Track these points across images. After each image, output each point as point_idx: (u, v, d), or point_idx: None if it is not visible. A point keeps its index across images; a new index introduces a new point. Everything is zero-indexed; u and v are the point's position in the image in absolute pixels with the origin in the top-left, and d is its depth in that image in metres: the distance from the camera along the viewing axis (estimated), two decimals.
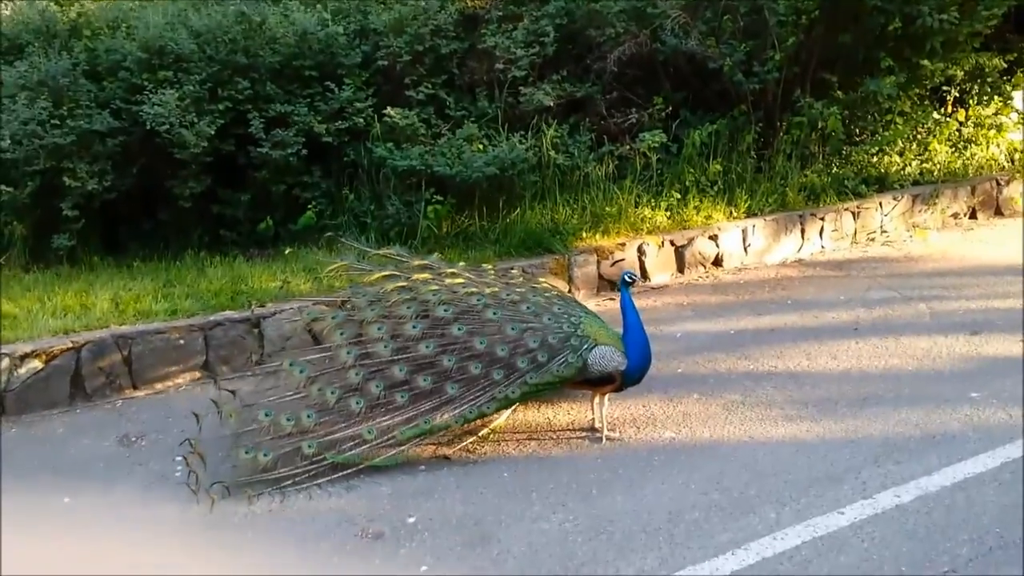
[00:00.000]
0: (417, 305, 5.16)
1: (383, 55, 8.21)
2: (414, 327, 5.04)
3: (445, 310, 5.09)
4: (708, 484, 4.50)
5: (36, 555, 4.13)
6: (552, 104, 8.31)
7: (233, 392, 5.04)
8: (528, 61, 8.30)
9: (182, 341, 6.26)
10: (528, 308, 5.13)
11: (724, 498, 4.36)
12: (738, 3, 8.91)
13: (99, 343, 6.03)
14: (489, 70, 8.38)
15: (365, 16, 8.53)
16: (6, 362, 5.74)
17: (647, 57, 8.86)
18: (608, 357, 4.91)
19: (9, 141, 6.97)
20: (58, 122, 7.17)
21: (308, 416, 4.77)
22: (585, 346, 4.91)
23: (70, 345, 5.96)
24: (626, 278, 5.15)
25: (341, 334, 5.16)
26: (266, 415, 4.80)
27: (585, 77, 8.82)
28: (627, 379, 4.97)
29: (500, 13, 8.61)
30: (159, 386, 6.14)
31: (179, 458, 4.91)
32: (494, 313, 5.07)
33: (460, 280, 5.36)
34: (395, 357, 4.95)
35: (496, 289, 5.27)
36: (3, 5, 8.46)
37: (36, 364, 5.85)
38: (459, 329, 5.00)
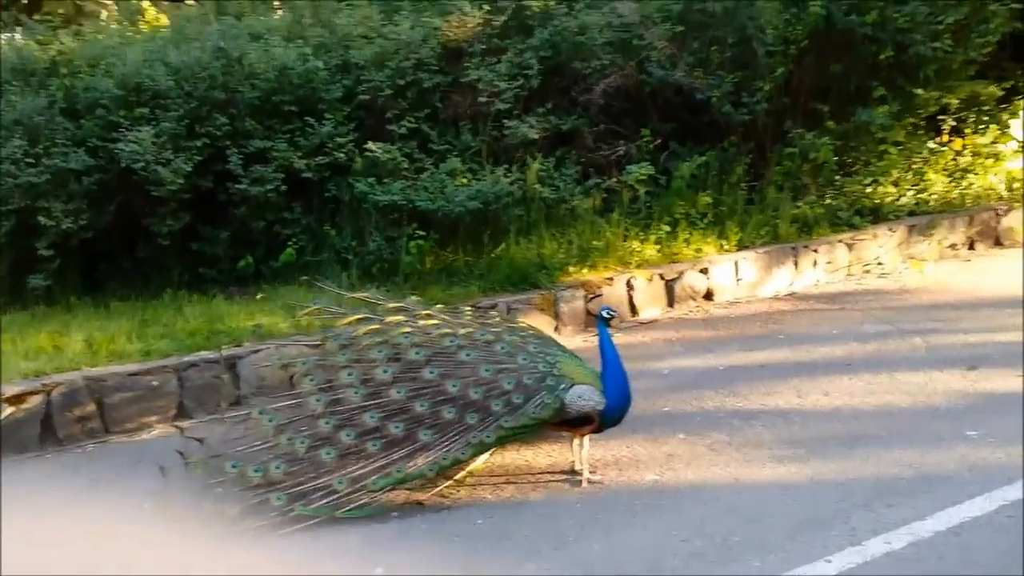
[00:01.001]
0: (389, 348, 4.97)
1: (365, 89, 8.12)
2: (385, 371, 4.85)
3: (417, 353, 4.91)
4: (690, 530, 4.30)
5: None
6: (537, 137, 8.20)
7: (201, 440, 4.87)
8: (512, 94, 8.20)
9: (155, 383, 6.10)
10: (503, 348, 4.95)
11: (706, 545, 4.15)
12: (726, 34, 8.82)
13: (70, 386, 5.87)
14: (473, 103, 8.27)
15: (347, 50, 8.42)
16: None
17: (634, 89, 8.78)
18: (586, 397, 4.72)
19: None
20: (33, 160, 7.06)
21: (276, 467, 4.58)
22: (562, 386, 4.72)
23: (40, 388, 5.79)
24: (603, 314, 4.98)
25: (311, 380, 4.97)
26: (233, 466, 4.62)
27: (572, 110, 8.73)
28: (606, 419, 4.78)
29: (484, 46, 8.50)
30: (132, 428, 5.97)
31: (146, 505, 4.74)
32: (467, 355, 4.89)
33: (434, 321, 5.19)
34: (366, 403, 4.75)
35: (471, 330, 5.10)
36: None
37: (6, 408, 5.68)
38: (431, 372, 4.82)
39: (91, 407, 5.91)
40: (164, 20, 9.76)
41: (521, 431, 4.77)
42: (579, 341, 7.06)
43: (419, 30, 8.46)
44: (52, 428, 5.80)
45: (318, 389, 4.90)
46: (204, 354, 6.29)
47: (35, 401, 5.76)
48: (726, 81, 8.64)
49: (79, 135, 7.44)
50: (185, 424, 5.89)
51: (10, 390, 5.71)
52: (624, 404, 4.83)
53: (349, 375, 4.90)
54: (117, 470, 5.32)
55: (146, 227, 7.53)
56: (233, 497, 4.52)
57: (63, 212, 7.08)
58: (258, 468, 4.59)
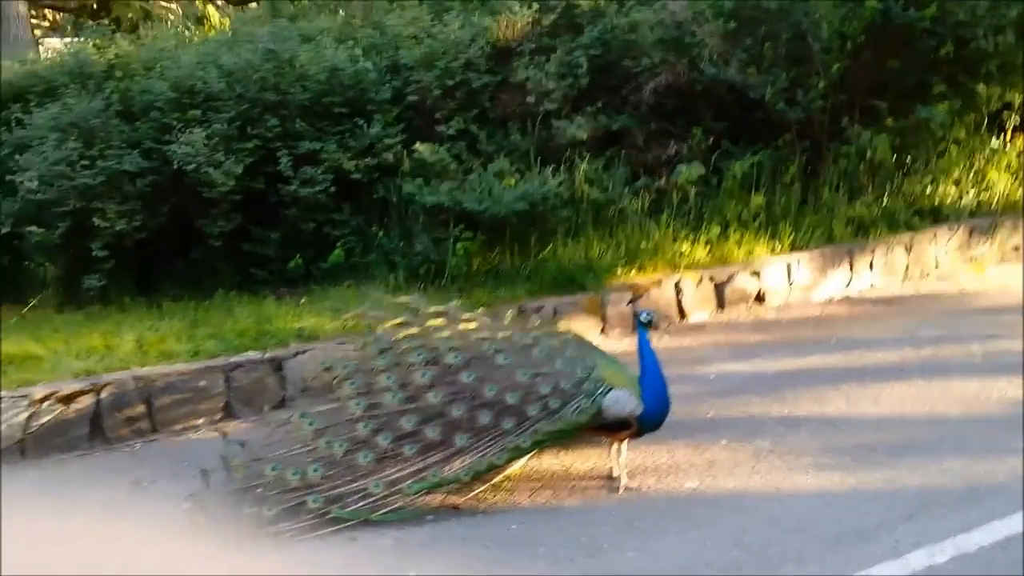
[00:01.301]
0: (427, 352, 4.98)
1: (413, 90, 8.13)
2: (423, 375, 4.86)
3: (455, 357, 4.90)
4: (727, 540, 4.23)
5: None
6: (586, 137, 8.12)
7: (243, 444, 4.92)
8: (561, 94, 8.14)
9: (203, 383, 6.17)
10: (541, 352, 4.92)
11: (743, 556, 4.08)
12: (780, 30, 8.64)
13: (119, 385, 5.96)
14: (521, 103, 8.23)
15: (397, 51, 8.45)
16: (25, 405, 5.70)
17: (686, 87, 8.64)
18: (623, 401, 4.67)
19: (38, 182, 7.00)
20: (88, 163, 7.18)
21: (315, 470, 4.61)
22: (599, 390, 4.68)
23: (90, 387, 5.90)
24: (642, 318, 4.93)
25: (351, 384, 4.99)
26: (272, 469, 4.66)
27: (622, 109, 8.62)
28: (644, 424, 4.73)
29: (533, 45, 8.45)
30: (179, 428, 6.05)
31: (185, 505, 4.80)
32: (504, 358, 4.87)
33: (473, 325, 5.18)
34: (403, 408, 4.77)
35: (509, 334, 5.08)
36: (40, 47, 8.57)
37: (56, 406, 5.80)
38: (468, 376, 4.81)
39: (140, 407, 6.00)
40: (226, 23, 9.91)
41: (558, 436, 4.74)
42: (625, 344, 6.93)
43: (468, 30, 8.44)
44: (101, 427, 5.90)
45: (357, 393, 4.92)
46: (251, 355, 6.37)
47: (85, 400, 5.86)
48: (780, 78, 8.46)
49: (134, 137, 7.55)
50: (230, 426, 6.01)
51: (60, 389, 5.83)
52: (663, 409, 4.76)
53: (388, 379, 4.91)
54: (161, 470, 5.39)
55: (199, 228, 7.60)
56: (271, 500, 4.55)
57: (117, 213, 7.19)
58: (296, 471, 4.62)
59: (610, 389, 4.69)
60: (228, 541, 4.42)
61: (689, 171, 8.03)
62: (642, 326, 4.91)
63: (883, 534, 4.18)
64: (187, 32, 8.97)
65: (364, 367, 5.08)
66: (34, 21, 13.14)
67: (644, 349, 4.82)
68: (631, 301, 7.46)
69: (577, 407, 4.66)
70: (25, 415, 5.70)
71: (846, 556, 4.02)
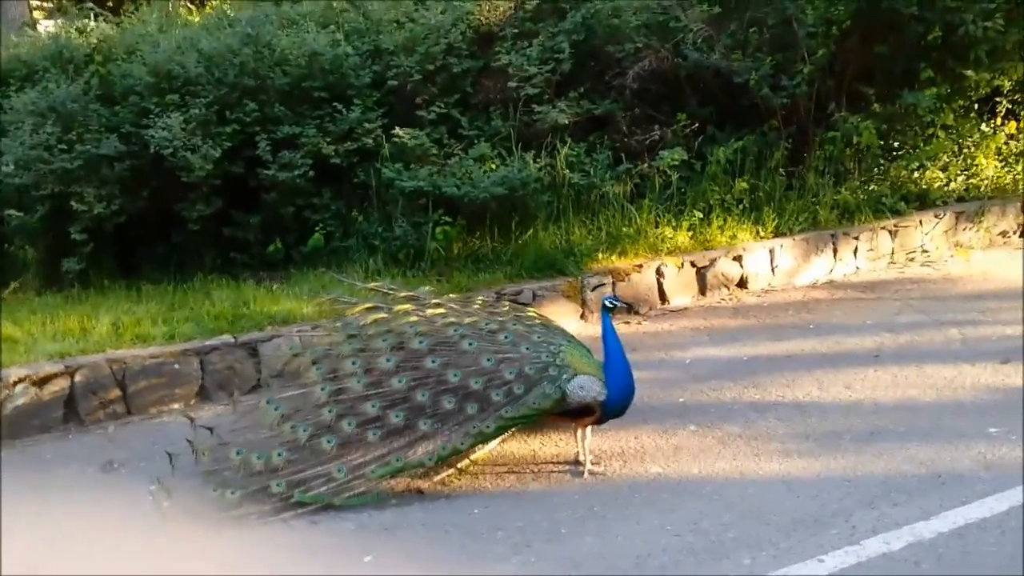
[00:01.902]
0: (393, 337, 4.98)
1: (394, 75, 8.09)
2: (388, 360, 4.86)
3: (420, 342, 4.91)
4: (685, 525, 4.23)
5: None
6: (568, 122, 8.08)
7: (211, 429, 4.95)
8: (543, 79, 8.09)
9: (177, 366, 6.17)
10: (506, 337, 4.92)
11: (699, 541, 4.08)
12: (765, 15, 8.60)
13: (93, 368, 5.96)
14: (503, 88, 8.18)
15: (378, 36, 8.41)
16: None
17: (670, 73, 8.60)
18: (587, 387, 4.66)
19: (13, 166, 6.99)
20: (66, 147, 7.17)
21: (279, 455, 4.63)
22: (564, 376, 4.67)
23: (64, 370, 5.90)
24: (607, 303, 4.91)
25: (318, 370, 5.00)
26: (237, 453, 4.69)
27: (606, 94, 8.58)
28: (607, 411, 4.72)
29: (515, 30, 8.41)
30: (153, 411, 6.05)
31: (153, 487, 4.81)
32: (470, 344, 4.87)
33: (441, 310, 5.18)
34: (367, 392, 4.77)
35: (475, 319, 5.07)
36: (22, 31, 8.55)
37: (31, 388, 5.80)
38: (433, 362, 4.81)
39: (114, 390, 6.00)
40: (209, 7, 9.85)
41: (521, 421, 4.75)
42: None
43: (450, 14, 8.40)
44: (75, 410, 5.90)
45: (323, 378, 4.92)
46: (226, 338, 6.36)
47: (60, 383, 5.86)
48: (765, 64, 8.42)
49: (113, 122, 7.54)
50: (205, 409, 6.00)
51: (35, 371, 5.83)
52: (626, 396, 4.75)
53: (353, 364, 4.92)
54: (134, 453, 5.39)
55: (179, 212, 7.60)
56: (236, 483, 4.57)
57: (96, 197, 7.18)
58: (261, 455, 4.64)
59: (575, 375, 4.68)
60: (191, 523, 4.44)
61: (671, 155, 7.98)
62: (606, 311, 4.89)
63: (841, 521, 4.18)
64: (169, 16, 8.88)
65: (331, 352, 5.09)
66: (35, 2, 13.08)
67: (609, 335, 4.80)
68: (612, 286, 7.43)
69: (541, 393, 4.66)
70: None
71: (802, 542, 4.01)
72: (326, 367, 5.00)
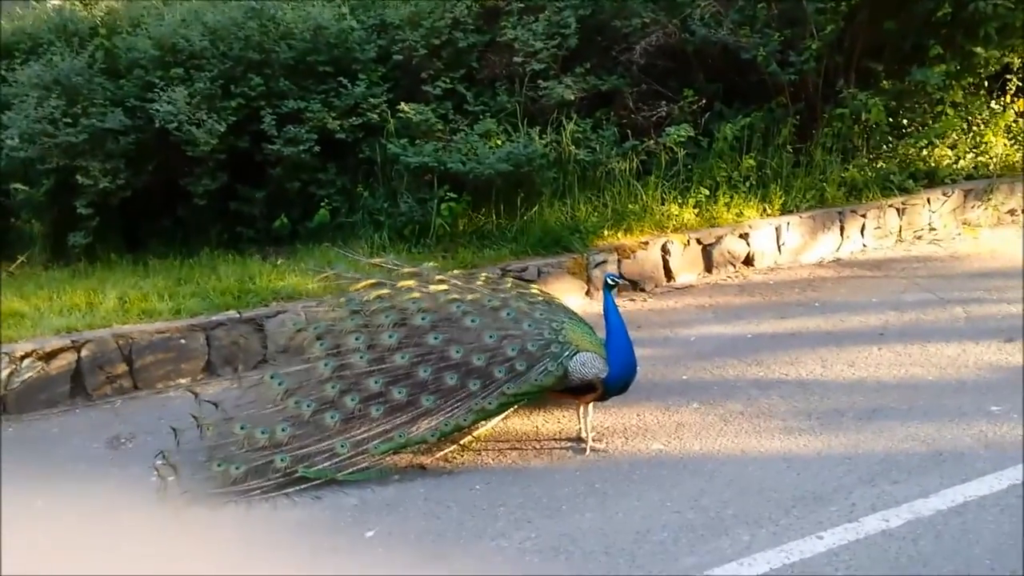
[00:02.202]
0: (396, 314, 4.99)
1: (399, 49, 8.06)
2: (390, 336, 4.88)
3: (423, 318, 4.93)
4: (685, 502, 4.24)
5: None
6: (574, 98, 8.05)
7: (216, 404, 4.99)
8: (549, 54, 8.06)
9: (183, 341, 6.20)
10: (509, 314, 4.92)
11: (698, 518, 4.10)
12: None
13: (99, 342, 6.00)
14: (509, 64, 8.15)
15: (384, 9, 8.38)
16: (6, 361, 5.75)
17: (678, 48, 8.54)
18: (589, 364, 4.67)
19: (18, 140, 7.00)
20: (71, 120, 7.18)
21: (283, 429, 4.66)
22: (566, 353, 4.68)
23: (71, 344, 5.94)
24: (608, 280, 4.92)
25: (321, 345, 5.02)
26: (241, 428, 4.72)
27: (612, 69, 8.54)
28: (608, 388, 4.73)
29: (521, 4, 8.36)
30: (160, 386, 6.09)
31: (158, 462, 4.86)
32: (472, 320, 4.88)
33: (443, 287, 5.18)
34: (371, 368, 4.80)
35: (478, 296, 5.08)
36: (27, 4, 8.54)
37: (37, 363, 5.84)
38: (435, 338, 4.83)
39: (120, 364, 6.04)
40: None
41: (523, 397, 4.76)
42: None
43: None
44: (82, 384, 5.95)
45: (326, 354, 4.94)
46: (231, 314, 6.39)
47: (66, 357, 5.90)
48: (773, 39, 8.35)
49: (118, 95, 7.54)
50: (211, 384, 6.03)
51: (42, 346, 5.86)
52: (628, 372, 4.76)
53: (356, 339, 4.94)
54: (140, 427, 5.44)
55: (185, 187, 7.62)
56: (239, 458, 4.60)
57: (101, 171, 7.21)
58: (265, 430, 4.67)
59: (576, 352, 4.69)
60: (195, 498, 4.48)
61: (678, 131, 7.94)
62: (608, 288, 4.89)
63: (840, 498, 4.19)
64: None
65: (335, 328, 5.11)
66: None
67: (610, 312, 4.81)
68: (617, 263, 7.43)
69: (543, 369, 4.67)
70: (6, 372, 5.75)
71: (801, 519, 4.03)
72: (329, 342, 5.02)
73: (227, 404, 4.99)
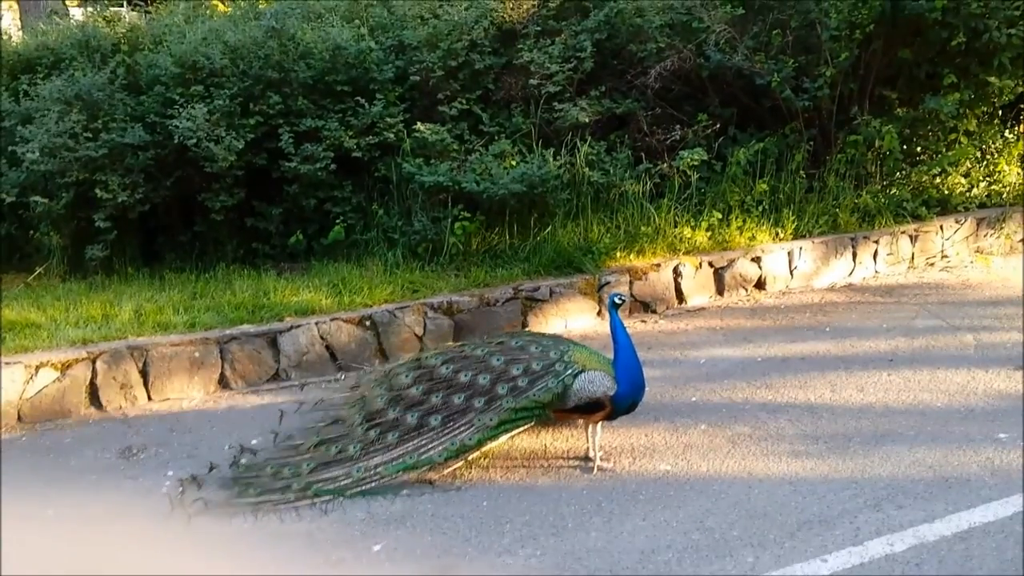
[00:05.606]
0: (416, 370, 5.14)
1: (416, 70, 8.15)
2: (407, 376, 5.08)
3: (436, 358, 5.15)
4: (691, 523, 4.27)
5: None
6: (588, 120, 8.12)
7: (255, 453, 5.03)
8: (564, 76, 8.14)
9: (197, 354, 6.27)
10: (516, 343, 5.09)
11: (703, 539, 4.12)
12: (788, 17, 8.59)
13: (114, 354, 6.08)
14: (525, 86, 8.23)
15: (402, 31, 8.48)
16: (22, 371, 5.82)
17: (694, 73, 8.61)
18: (596, 382, 4.71)
19: (39, 153, 7.11)
20: (91, 135, 7.29)
21: (307, 465, 4.79)
22: (568, 371, 4.74)
23: (86, 355, 6.02)
24: (615, 300, 4.95)
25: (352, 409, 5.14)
26: (271, 468, 4.84)
27: (627, 93, 8.61)
28: (617, 405, 4.76)
29: (538, 28, 8.46)
30: (173, 398, 6.16)
31: (169, 473, 4.92)
32: (481, 351, 5.04)
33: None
34: (387, 406, 4.96)
35: (484, 349, 5.20)
36: (52, 20, 8.68)
37: (52, 373, 5.92)
38: (446, 368, 4.98)
39: (134, 375, 6.12)
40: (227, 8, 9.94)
41: (524, 414, 4.78)
42: None
43: (473, 11, 8.44)
44: (96, 395, 6.02)
45: (359, 412, 5.06)
46: (246, 328, 6.46)
47: (81, 368, 5.98)
48: (787, 66, 8.41)
49: (138, 111, 7.66)
50: (224, 397, 6.09)
51: (57, 357, 5.94)
52: (636, 390, 4.79)
53: (381, 399, 5.05)
54: (152, 439, 5.50)
55: (202, 202, 7.71)
56: (261, 485, 4.71)
57: (120, 185, 7.31)
58: (292, 468, 4.80)
59: (582, 371, 4.74)
60: (204, 510, 4.53)
61: (691, 155, 7.99)
62: (614, 308, 4.93)
63: (845, 522, 4.20)
64: (198, 8, 8.99)
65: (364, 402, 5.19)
66: None
67: (618, 331, 4.84)
68: (629, 284, 7.47)
69: (544, 386, 4.73)
70: (22, 381, 5.82)
71: (805, 542, 4.04)
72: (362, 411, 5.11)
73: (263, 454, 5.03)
